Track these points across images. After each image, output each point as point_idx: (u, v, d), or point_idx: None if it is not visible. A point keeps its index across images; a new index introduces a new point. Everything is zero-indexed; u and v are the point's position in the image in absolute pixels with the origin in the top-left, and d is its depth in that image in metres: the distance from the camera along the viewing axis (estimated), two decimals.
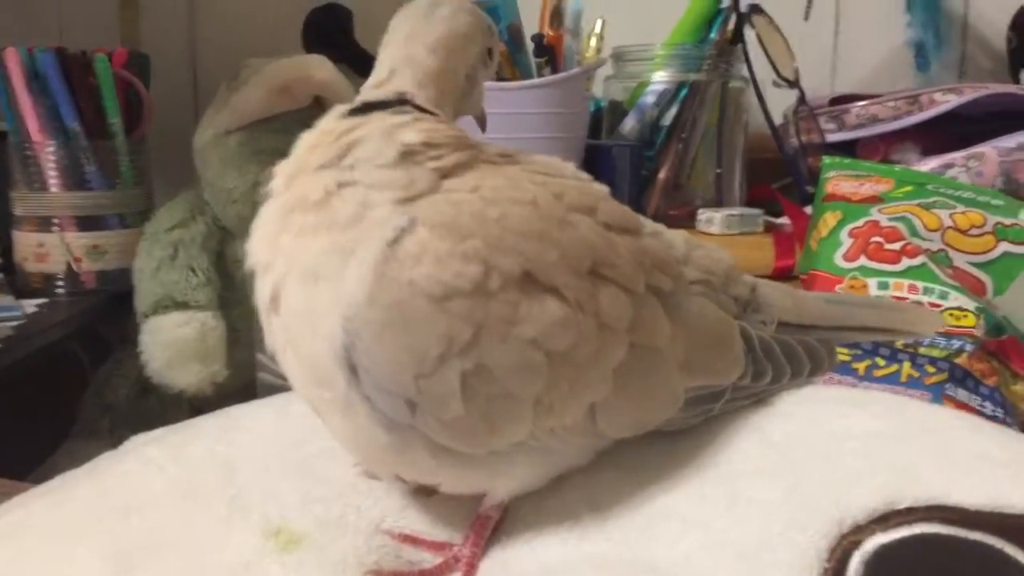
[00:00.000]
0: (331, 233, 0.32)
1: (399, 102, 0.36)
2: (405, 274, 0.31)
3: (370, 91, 0.37)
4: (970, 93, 0.74)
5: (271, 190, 0.35)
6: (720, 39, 0.77)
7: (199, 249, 0.71)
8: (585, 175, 0.38)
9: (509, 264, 0.32)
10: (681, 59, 0.76)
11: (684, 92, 0.77)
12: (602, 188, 0.37)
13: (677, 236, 0.39)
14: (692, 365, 0.36)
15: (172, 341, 0.68)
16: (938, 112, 0.73)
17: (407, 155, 0.33)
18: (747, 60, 0.77)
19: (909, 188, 0.66)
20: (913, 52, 0.97)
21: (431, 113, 0.36)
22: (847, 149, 0.78)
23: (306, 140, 0.36)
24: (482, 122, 0.42)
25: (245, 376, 0.71)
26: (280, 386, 0.70)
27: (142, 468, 0.40)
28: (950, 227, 0.62)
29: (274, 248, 0.34)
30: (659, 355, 0.35)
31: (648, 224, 0.38)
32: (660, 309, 0.35)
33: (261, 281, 0.34)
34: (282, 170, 0.35)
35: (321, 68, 0.65)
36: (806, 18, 0.78)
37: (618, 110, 0.81)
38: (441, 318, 0.31)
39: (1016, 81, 0.93)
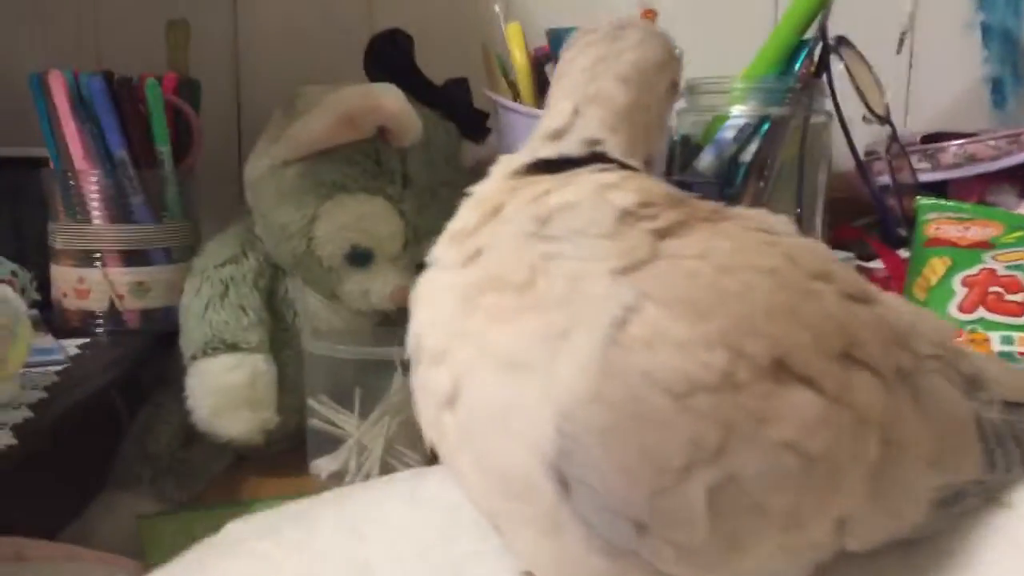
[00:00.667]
0: (537, 314, 0.27)
1: (594, 157, 0.31)
2: (637, 363, 0.26)
3: (551, 141, 0.32)
4: None
5: (436, 260, 0.31)
6: (805, 72, 0.72)
7: (250, 287, 0.67)
8: (793, 227, 0.33)
9: (758, 349, 0.27)
10: (764, 92, 0.72)
11: (766, 127, 0.73)
12: (822, 246, 0.32)
13: (894, 300, 0.34)
14: (939, 460, 0.31)
15: (221, 386, 0.63)
16: None
17: (623, 219, 0.29)
18: (833, 94, 0.72)
19: (1020, 233, 0.62)
20: (989, 89, 0.94)
21: (630, 166, 0.32)
22: (938, 189, 0.74)
23: (479, 202, 0.32)
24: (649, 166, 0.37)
25: (293, 422, 0.67)
26: (331, 433, 0.66)
27: (256, 568, 0.35)
28: None
29: (454, 333, 0.29)
30: (910, 450, 0.30)
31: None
32: (908, 394, 0.30)
33: (431, 371, 0.30)
34: (452, 238, 0.30)
35: (391, 97, 0.61)
36: (899, 52, 0.74)
37: (690, 145, 0.76)
38: (684, 419, 0.26)
39: None
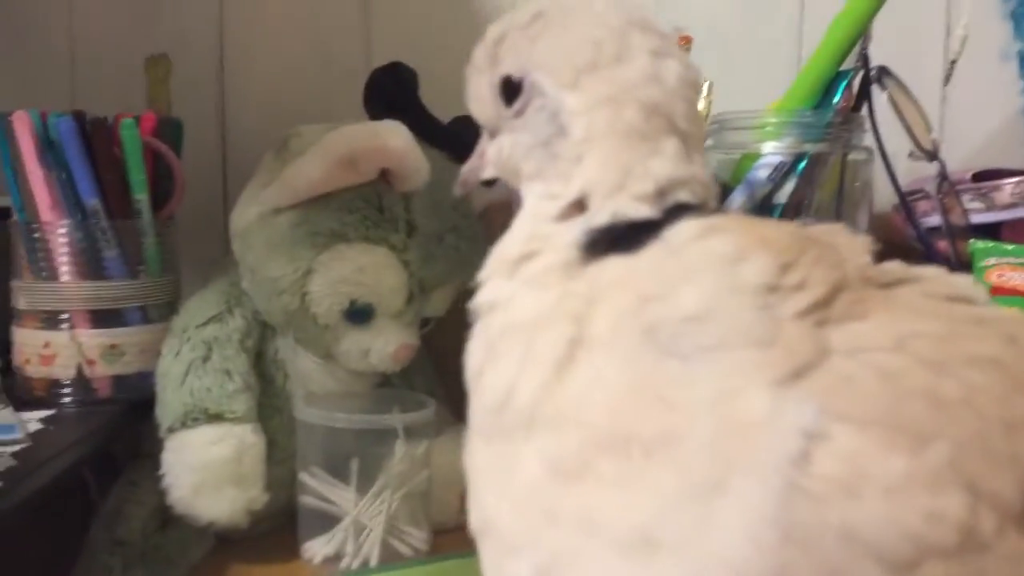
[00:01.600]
0: (673, 468, 0.21)
1: (678, 210, 0.25)
2: (835, 518, 0.19)
3: (606, 196, 0.26)
4: None
5: (492, 422, 0.24)
6: (845, 105, 0.67)
7: (236, 349, 0.61)
8: (985, 292, 0.27)
9: (1004, 486, 0.20)
10: (800, 127, 0.66)
11: (803, 165, 0.67)
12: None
13: None
14: None
15: (203, 462, 0.57)
16: None
17: (766, 306, 0.22)
18: (875, 128, 0.67)
19: None
20: None
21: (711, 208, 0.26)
22: (990, 232, 0.68)
23: (534, 329, 0.26)
24: None
25: (282, 499, 0.61)
26: (325, 511, 0.59)
27: None
28: None
29: (540, 512, 0.23)
30: None
31: None
32: None
33: (506, 563, 0.24)
34: (507, 391, 0.25)
35: (398, 136, 0.55)
36: (946, 83, 0.69)
37: (718, 185, 0.70)
38: None
39: None
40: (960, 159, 0.88)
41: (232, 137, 0.81)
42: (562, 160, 0.29)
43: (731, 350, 0.22)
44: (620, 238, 0.27)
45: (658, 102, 0.28)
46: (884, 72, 0.66)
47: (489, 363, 0.28)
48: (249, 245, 0.61)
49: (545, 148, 0.30)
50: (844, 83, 0.67)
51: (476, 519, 0.27)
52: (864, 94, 0.67)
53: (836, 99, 0.67)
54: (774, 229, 0.26)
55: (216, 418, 0.58)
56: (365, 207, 0.59)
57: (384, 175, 0.59)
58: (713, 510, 0.20)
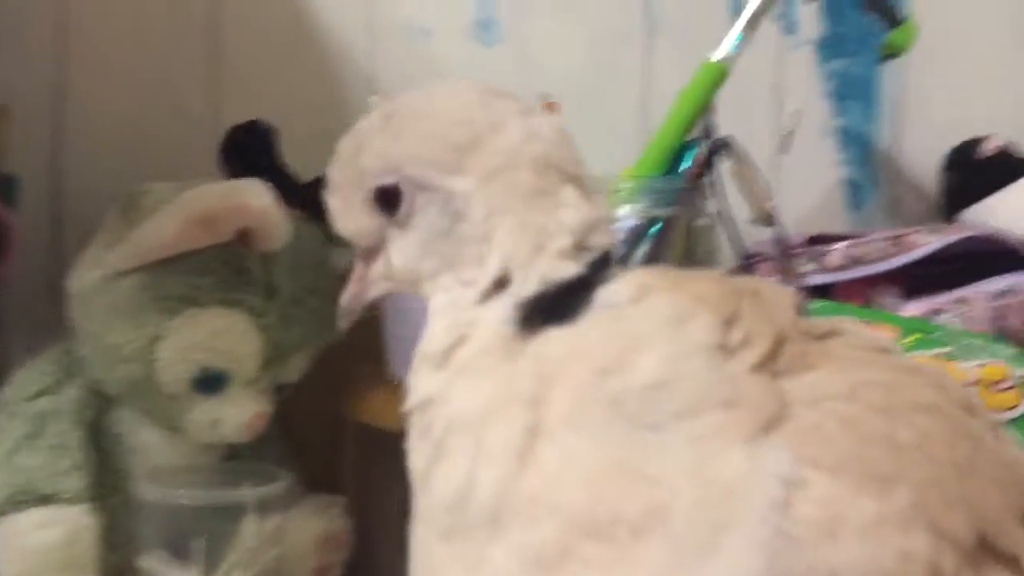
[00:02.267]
0: (662, 540, 0.21)
1: (601, 262, 0.25)
2: (819, 559, 0.20)
3: (536, 258, 0.26)
4: (951, 235, 0.71)
5: (443, 526, 0.23)
6: (693, 172, 0.71)
7: (70, 423, 0.58)
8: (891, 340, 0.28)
9: (959, 525, 0.21)
10: (653, 193, 0.70)
11: (655, 229, 0.70)
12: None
13: None
14: None
15: (30, 548, 0.53)
16: (923, 253, 0.69)
17: (721, 366, 0.22)
18: (720, 195, 0.71)
19: (918, 335, 0.61)
20: (847, 192, 0.96)
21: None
22: (824, 292, 0.73)
23: (482, 422, 0.25)
24: None
25: None
26: None
27: None
28: (974, 382, 0.57)
29: None
30: None
31: None
32: None
33: None
34: (462, 491, 0.24)
35: (258, 195, 0.53)
36: (782, 151, 0.74)
37: None
38: None
39: (953, 221, 0.92)
40: (792, 224, 0.95)
41: (68, 194, 0.76)
42: (469, 244, 0.28)
43: (700, 415, 0.23)
44: (553, 306, 0.26)
45: (545, 155, 0.28)
46: (727, 143, 0.71)
47: (438, 462, 0.27)
48: (90, 310, 0.57)
49: (446, 239, 0.29)
50: (692, 152, 0.71)
51: None
52: (709, 163, 0.71)
53: (685, 167, 0.71)
54: (703, 283, 0.27)
55: (46, 499, 0.54)
56: (221, 269, 0.57)
57: (242, 236, 0.56)
58: (707, 570, 0.20)
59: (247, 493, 0.56)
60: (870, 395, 0.24)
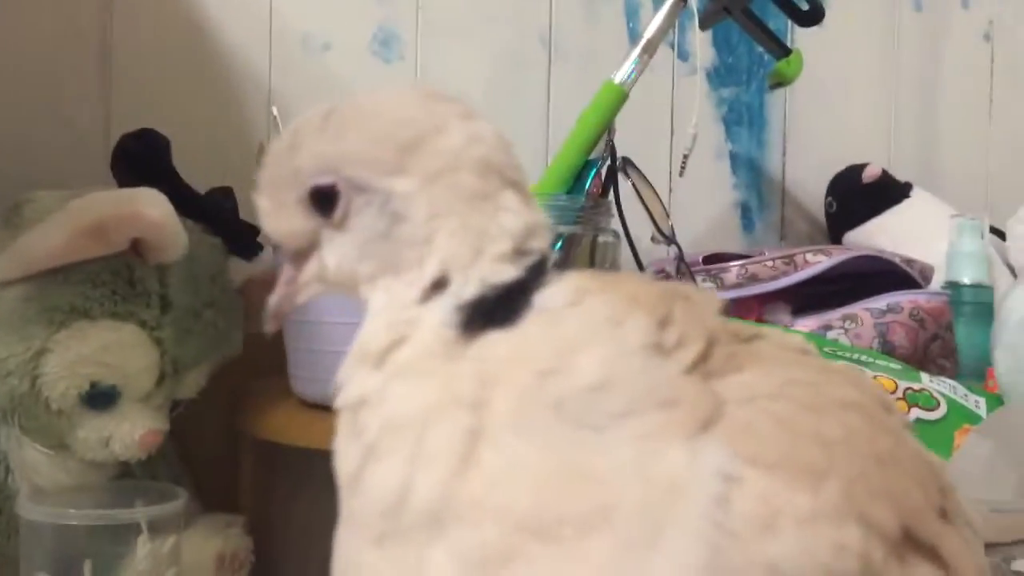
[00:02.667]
0: (606, 537, 0.21)
1: (538, 266, 0.25)
2: (758, 553, 0.21)
3: (476, 262, 0.26)
4: (839, 255, 0.75)
5: (377, 531, 0.23)
6: (594, 190, 0.72)
7: None
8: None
9: (886, 516, 0.22)
10: (556, 211, 0.71)
11: (558, 246, 0.71)
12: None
13: None
14: None
15: None
16: (813, 272, 0.73)
17: (657, 366, 0.23)
18: (620, 214, 0.73)
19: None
20: (739, 213, 1.00)
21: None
22: None
23: (420, 425, 0.25)
24: None
25: None
26: None
27: None
28: None
29: None
30: None
31: None
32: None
33: None
34: (399, 495, 0.24)
35: (153, 204, 0.52)
36: (680, 174, 0.76)
37: None
38: None
39: (837, 243, 0.97)
40: (688, 243, 0.98)
41: None
42: (409, 246, 0.28)
43: (640, 414, 0.23)
44: (493, 309, 0.26)
45: (487, 159, 0.28)
46: (628, 163, 0.73)
47: (370, 464, 0.26)
48: None
49: (385, 241, 0.28)
50: (594, 171, 0.73)
51: None
52: (611, 182, 0.73)
53: (587, 185, 0.73)
54: (636, 284, 0.27)
55: None
56: (113, 280, 0.55)
57: (135, 246, 0.55)
58: (647, 569, 0.21)
59: (140, 512, 0.54)
60: (798, 393, 0.25)
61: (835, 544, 0.22)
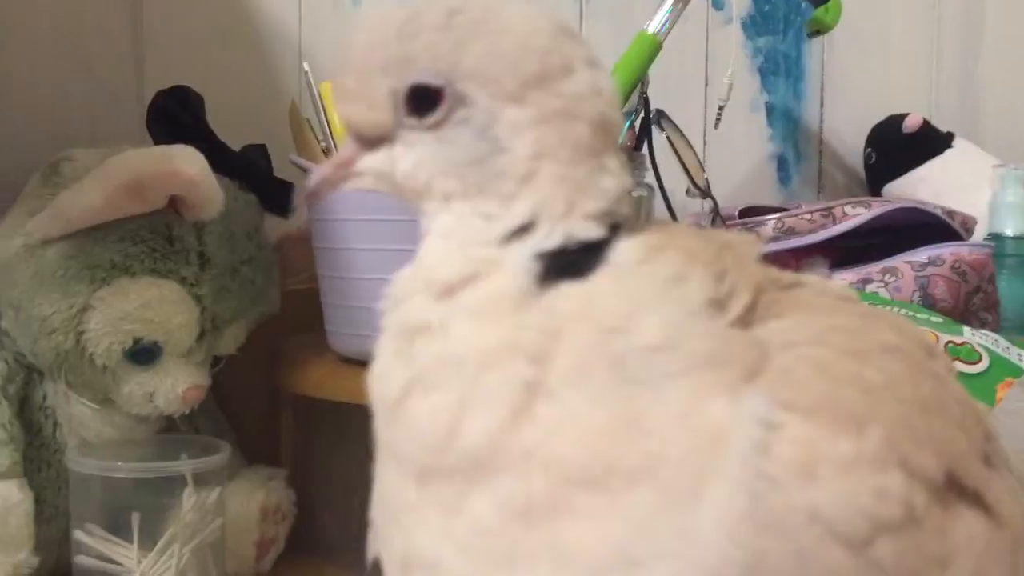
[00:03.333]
0: (648, 487, 0.21)
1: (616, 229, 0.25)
2: (799, 500, 0.21)
3: (568, 215, 0.26)
4: (878, 207, 0.74)
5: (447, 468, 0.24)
6: (628, 144, 0.72)
7: None
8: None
9: (929, 461, 0.22)
10: None
11: None
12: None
13: None
14: None
15: None
16: (852, 225, 0.72)
17: (713, 325, 0.24)
18: (655, 167, 0.72)
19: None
20: (775, 166, 0.99)
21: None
22: None
23: (472, 344, 0.25)
24: None
25: (53, 560, 0.57)
26: (105, 571, 0.55)
27: None
28: None
29: (507, 558, 0.23)
30: None
31: None
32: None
33: None
34: (463, 435, 0.24)
35: (190, 161, 0.52)
36: (716, 126, 0.76)
37: None
38: None
39: (876, 195, 0.96)
40: (723, 197, 0.97)
41: None
42: (503, 178, 0.27)
43: (694, 372, 0.23)
44: (569, 262, 0.26)
45: (604, 115, 0.28)
46: (661, 115, 0.72)
47: (417, 394, 0.26)
48: (12, 280, 0.56)
49: (477, 165, 0.27)
50: (627, 124, 0.72)
51: (399, 555, 0.26)
52: (645, 135, 0.72)
53: (620, 138, 0.72)
54: (693, 238, 0.27)
55: None
56: (152, 238, 0.56)
57: (173, 203, 0.56)
58: (690, 518, 0.21)
59: (185, 464, 0.56)
60: (838, 339, 0.25)
61: (877, 489, 0.22)
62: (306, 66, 0.64)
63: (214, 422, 0.65)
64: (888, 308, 0.62)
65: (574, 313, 0.25)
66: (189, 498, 0.55)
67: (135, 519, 0.55)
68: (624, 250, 0.26)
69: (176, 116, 0.61)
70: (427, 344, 0.26)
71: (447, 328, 0.26)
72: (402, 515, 0.26)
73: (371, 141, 0.29)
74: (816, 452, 0.22)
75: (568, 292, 0.25)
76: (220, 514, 0.57)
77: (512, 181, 0.27)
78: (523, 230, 0.27)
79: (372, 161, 0.29)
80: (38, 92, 0.74)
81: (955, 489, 0.24)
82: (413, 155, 0.28)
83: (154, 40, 0.78)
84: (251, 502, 0.60)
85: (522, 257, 0.26)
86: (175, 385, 0.58)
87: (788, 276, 0.28)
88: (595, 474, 0.23)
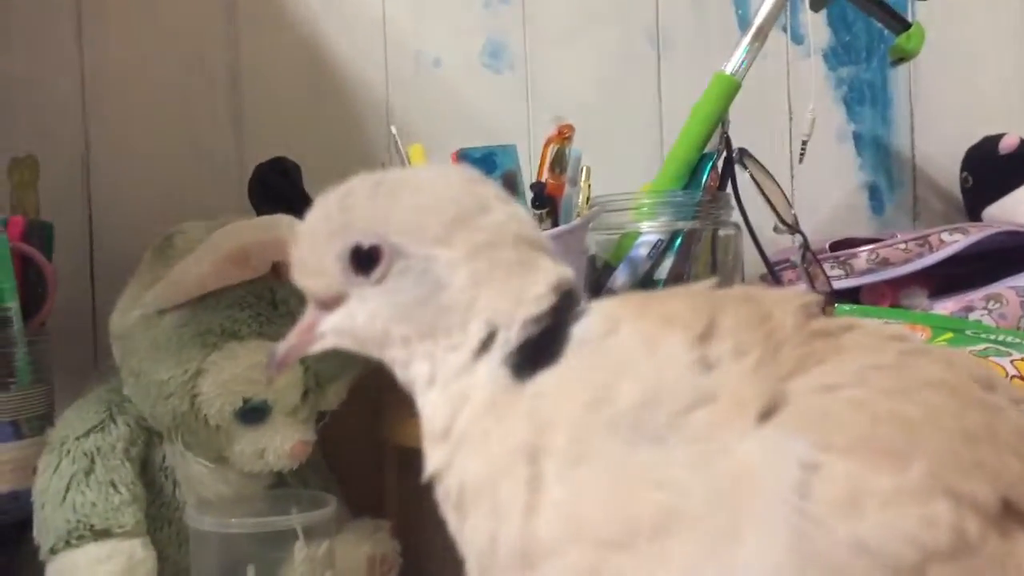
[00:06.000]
0: (681, 536, 0.23)
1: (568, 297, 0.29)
2: (844, 534, 0.22)
3: (517, 311, 0.30)
4: (976, 233, 0.73)
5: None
6: (712, 184, 0.73)
7: (121, 458, 0.59)
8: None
9: (979, 490, 0.23)
10: (674, 207, 0.72)
11: (678, 242, 0.72)
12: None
13: None
14: None
15: None
16: (950, 253, 0.71)
17: (704, 369, 0.25)
18: (740, 205, 0.73)
19: (949, 335, 0.63)
20: (867, 195, 0.99)
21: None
22: (850, 296, 0.75)
23: (477, 472, 0.28)
24: None
25: None
26: None
27: None
28: (1015, 376, 0.59)
29: None
30: None
31: None
32: None
33: None
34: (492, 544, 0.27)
35: (289, 229, 0.55)
36: (800, 161, 0.76)
37: (600, 264, 0.75)
38: None
39: (976, 219, 0.94)
40: (813, 230, 0.97)
41: (100, 237, 0.79)
42: (450, 312, 0.30)
43: (686, 415, 0.25)
44: (537, 349, 0.29)
45: (525, 234, 0.32)
46: (744, 153, 0.73)
47: (463, 522, 0.29)
48: (132, 348, 0.60)
49: (423, 305, 0.31)
50: (709, 165, 0.73)
51: None
52: (728, 174, 0.73)
53: (704, 179, 0.74)
54: (672, 302, 0.29)
55: (103, 534, 0.56)
56: (257, 303, 0.59)
57: (275, 269, 0.59)
58: (732, 561, 0.23)
59: (296, 518, 0.58)
60: (876, 377, 0.25)
61: (924, 517, 0.23)
62: (394, 129, 0.67)
63: (321, 475, 0.68)
64: (989, 341, 0.61)
65: (554, 396, 0.27)
66: (300, 551, 0.57)
67: (251, 572, 0.56)
68: (585, 328, 0.29)
69: (275, 185, 0.65)
70: (450, 484, 0.30)
71: (452, 467, 0.29)
72: None
73: (328, 304, 0.34)
74: (858, 486, 0.23)
75: (545, 380, 0.28)
76: (330, 566, 0.60)
77: (460, 311, 0.30)
78: (486, 344, 0.30)
79: (332, 320, 0.33)
80: (142, 168, 0.80)
81: (1016, 517, 0.24)
82: (367, 308, 0.32)
83: (251, 112, 0.83)
84: (359, 553, 0.62)
85: (492, 365, 0.29)
86: (283, 442, 0.60)
87: (839, 322, 0.29)
88: (618, 534, 0.25)
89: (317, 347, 0.35)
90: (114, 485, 0.58)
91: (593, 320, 0.29)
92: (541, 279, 0.30)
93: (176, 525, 0.61)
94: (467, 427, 0.29)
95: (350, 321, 0.33)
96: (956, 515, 0.23)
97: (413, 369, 0.32)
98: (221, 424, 0.59)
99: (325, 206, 0.34)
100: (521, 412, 0.28)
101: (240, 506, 0.61)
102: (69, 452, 0.58)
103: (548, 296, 0.30)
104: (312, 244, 0.34)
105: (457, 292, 0.30)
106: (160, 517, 0.61)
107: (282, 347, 0.35)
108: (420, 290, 0.31)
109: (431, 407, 0.31)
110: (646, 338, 0.27)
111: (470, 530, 0.29)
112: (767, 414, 0.25)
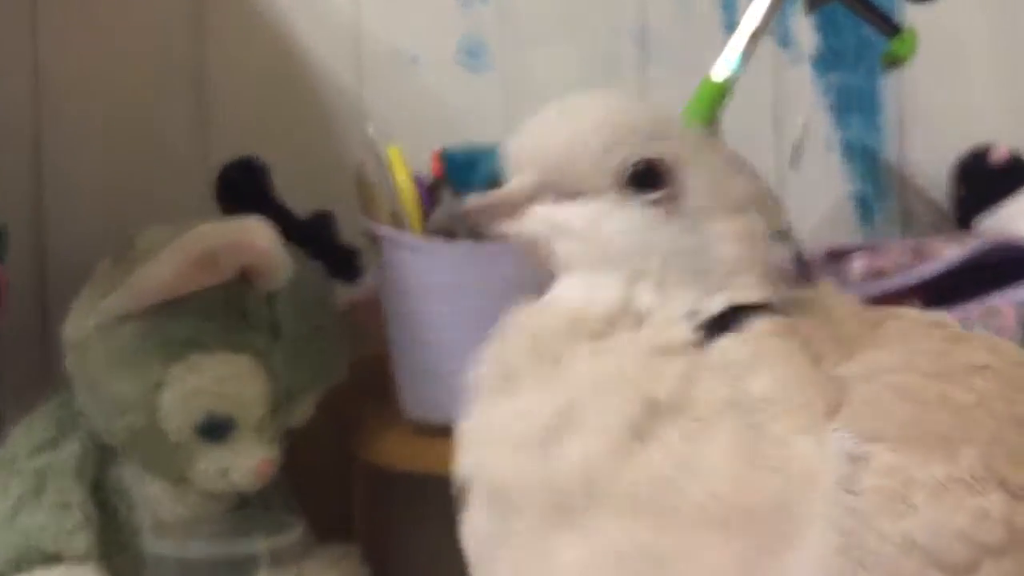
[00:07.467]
0: (746, 528, 0.22)
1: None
2: (893, 529, 0.21)
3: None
4: (974, 242, 0.72)
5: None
6: None
7: (73, 478, 0.58)
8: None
9: None
10: None
11: None
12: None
13: None
14: None
15: None
16: (948, 264, 0.71)
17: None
18: None
19: None
20: (854, 204, 0.98)
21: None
22: None
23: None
24: None
25: None
26: None
27: None
28: None
29: None
30: None
31: None
32: None
33: None
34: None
35: (260, 232, 0.54)
36: (791, 166, 0.75)
37: None
38: None
39: (966, 230, 0.94)
40: (804, 239, 0.96)
41: (53, 243, 0.76)
42: (712, 276, 0.29)
43: (784, 416, 0.25)
44: (717, 323, 0.28)
45: (783, 224, 0.32)
46: None
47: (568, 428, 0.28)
48: (87, 359, 0.58)
49: (692, 257, 0.29)
50: None
51: None
52: None
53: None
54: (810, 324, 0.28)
55: (53, 558, 0.55)
56: (225, 312, 0.57)
57: (243, 273, 0.57)
58: (785, 563, 0.22)
59: (260, 544, 0.56)
60: (922, 363, 0.26)
61: (976, 512, 0.22)
62: (371, 128, 0.65)
63: (286, 497, 0.66)
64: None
65: (709, 365, 0.27)
66: None
67: None
68: (759, 322, 0.28)
69: (242, 187, 0.63)
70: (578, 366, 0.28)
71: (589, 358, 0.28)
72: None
73: (566, 197, 0.31)
74: (906, 479, 0.22)
75: (721, 345, 0.27)
76: None
77: (718, 278, 0.29)
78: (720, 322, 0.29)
79: (556, 214, 0.31)
80: (108, 171, 0.77)
81: None
82: (613, 219, 0.30)
83: (217, 112, 0.81)
84: None
85: (685, 316, 0.28)
86: (249, 460, 0.59)
87: (880, 312, 0.30)
88: (719, 515, 0.24)
89: (520, 226, 0.31)
90: (65, 507, 0.57)
91: (765, 322, 0.28)
92: (780, 264, 0.30)
93: (132, 549, 0.59)
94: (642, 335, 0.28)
95: (588, 226, 0.30)
96: (1009, 508, 0.23)
97: (631, 292, 0.29)
98: (182, 441, 0.58)
99: (647, 114, 0.32)
100: (691, 360, 0.27)
101: (200, 529, 0.60)
102: (18, 471, 0.57)
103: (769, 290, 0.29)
104: (601, 133, 0.31)
105: (721, 262, 0.29)
106: (114, 541, 0.59)
107: (473, 202, 0.32)
108: (688, 240, 0.29)
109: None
110: (784, 347, 0.27)
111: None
112: (834, 411, 0.25)
